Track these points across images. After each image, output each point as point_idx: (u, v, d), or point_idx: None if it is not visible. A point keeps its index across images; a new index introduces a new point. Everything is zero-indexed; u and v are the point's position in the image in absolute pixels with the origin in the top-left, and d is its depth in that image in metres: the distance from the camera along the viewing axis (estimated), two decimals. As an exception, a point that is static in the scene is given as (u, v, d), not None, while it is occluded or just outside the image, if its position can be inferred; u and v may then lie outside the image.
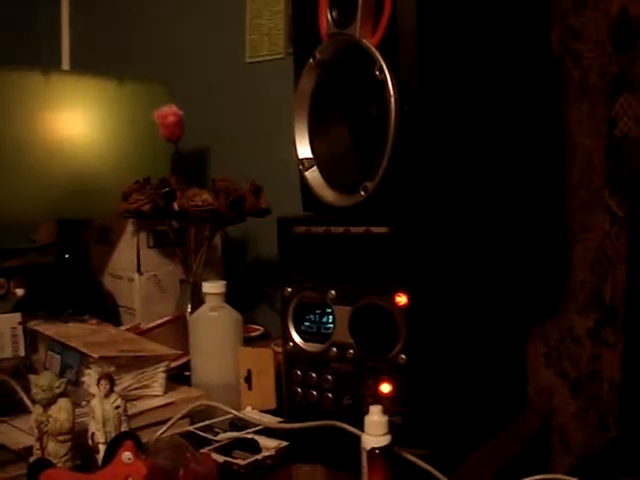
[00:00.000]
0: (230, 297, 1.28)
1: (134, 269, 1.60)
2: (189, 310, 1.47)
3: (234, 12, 1.80)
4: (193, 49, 1.93)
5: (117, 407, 0.93)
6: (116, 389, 0.99)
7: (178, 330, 1.39)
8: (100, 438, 0.93)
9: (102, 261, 1.69)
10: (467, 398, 1.07)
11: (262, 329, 1.58)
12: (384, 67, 0.95)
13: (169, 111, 1.58)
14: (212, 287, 1.25)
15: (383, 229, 0.97)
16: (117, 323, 1.60)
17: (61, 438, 0.93)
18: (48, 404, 0.93)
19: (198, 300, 1.31)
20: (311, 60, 1.05)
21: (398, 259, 0.96)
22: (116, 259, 1.66)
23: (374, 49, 0.96)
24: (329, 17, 1.02)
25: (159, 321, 1.45)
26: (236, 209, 1.47)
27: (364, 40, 0.97)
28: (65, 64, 2.31)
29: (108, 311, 1.64)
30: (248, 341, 1.40)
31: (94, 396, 0.95)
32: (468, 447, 1.06)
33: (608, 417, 1.21)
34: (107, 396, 0.94)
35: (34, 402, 0.95)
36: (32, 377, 0.96)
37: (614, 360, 1.19)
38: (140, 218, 1.52)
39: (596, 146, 1.22)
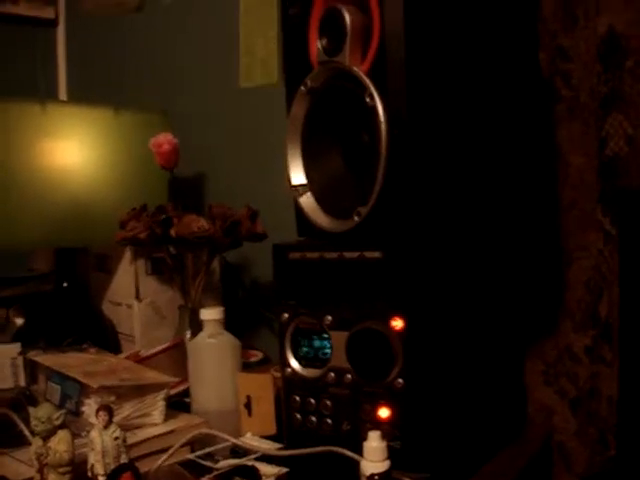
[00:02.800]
0: (229, 322, 1.28)
1: (133, 296, 1.60)
2: (188, 336, 1.48)
3: (227, 38, 1.81)
4: (188, 76, 1.95)
5: (116, 438, 0.94)
6: (116, 419, 0.99)
7: (178, 356, 1.39)
8: (99, 470, 0.93)
9: (101, 288, 1.70)
10: (466, 420, 1.07)
11: (261, 354, 1.58)
12: (374, 94, 0.96)
13: (164, 139, 1.59)
14: (210, 314, 1.26)
15: (377, 254, 0.97)
16: (117, 350, 1.61)
17: (61, 470, 0.93)
18: (48, 436, 0.93)
19: (197, 326, 1.31)
20: (302, 87, 1.06)
21: (393, 283, 0.96)
22: (115, 286, 1.67)
23: (364, 76, 0.97)
24: (319, 45, 1.03)
25: (158, 348, 1.45)
26: (232, 234, 1.48)
27: (354, 67, 0.98)
28: (62, 94, 2.32)
29: (108, 338, 1.64)
30: (247, 366, 1.41)
31: (94, 426, 0.96)
32: (468, 470, 1.06)
33: (608, 435, 1.21)
34: (106, 427, 0.94)
35: (34, 434, 0.95)
36: (31, 409, 0.97)
37: (612, 377, 1.19)
38: (137, 246, 1.53)
39: (588, 165, 1.23)
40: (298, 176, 1.10)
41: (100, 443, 0.93)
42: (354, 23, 0.99)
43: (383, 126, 0.95)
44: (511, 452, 1.17)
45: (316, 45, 1.04)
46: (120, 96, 2.04)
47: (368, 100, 0.97)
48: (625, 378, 1.10)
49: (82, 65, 2.29)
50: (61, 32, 2.34)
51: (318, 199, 1.08)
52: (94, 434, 0.94)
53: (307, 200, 1.09)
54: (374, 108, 0.96)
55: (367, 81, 0.97)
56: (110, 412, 0.95)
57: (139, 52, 2.09)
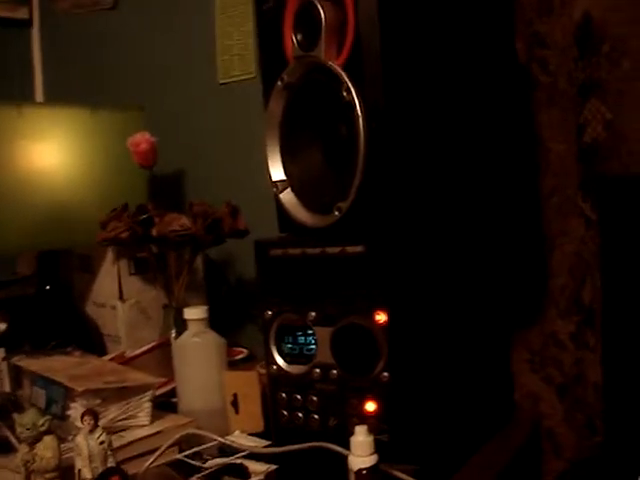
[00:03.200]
0: (213, 319, 1.28)
1: (116, 297, 1.60)
2: (174, 335, 1.47)
3: (204, 34, 1.81)
4: (165, 73, 1.94)
5: (102, 442, 0.93)
6: (102, 422, 0.99)
7: (163, 356, 1.39)
8: (87, 474, 0.93)
9: (85, 290, 1.69)
10: (453, 410, 1.07)
11: (247, 351, 1.58)
12: (351, 88, 0.95)
13: (142, 138, 1.58)
14: (194, 313, 1.25)
15: (358, 248, 0.97)
16: (102, 351, 1.60)
17: (48, 476, 0.93)
18: (34, 442, 0.93)
19: (182, 324, 1.31)
20: (279, 83, 1.06)
21: (375, 277, 0.96)
22: (98, 287, 1.66)
23: (340, 70, 0.97)
24: (294, 40, 1.03)
25: (143, 348, 1.45)
26: (214, 232, 1.47)
27: (330, 62, 0.98)
28: (39, 96, 2.30)
29: (93, 340, 1.63)
30: (233, 364, 1.40)
31: (81, 430, 0.95)
32: (457, 460, 1.06)
33: (595, 420, 1.22)
34: (92, 431, 0.94)
35: (20, 441, 0.94)
36: (16, 416, 0.97)
37: (596, 363, 1.19)
38: (119, 246, 1.52)
39: (568, 151, 1.23)
40: (277, 172, 1.09)
41: (86, 448, 0.93)
42: (329, 17, 0.98)
43: (360, 120, 0.95)
44: (500, 440, 1.18)
45: (291, 40, 1.04)
46: (98, 95, 2.03)
47: (345, 94, 0.96)
48: (608, 363, 1.11)
49: (59, 65, 2.27)
50: (36, 32, 2.32)
51: (298, 195, 1.08)
52: (80, 439, 0.93)
53: (287, 196, 1.08)
54: (351, 102, 0.96)
55: (343, 75, 0.96)
56: (95, 416, 0.94)
57: (116, 50, 2.08)
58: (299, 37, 1.03)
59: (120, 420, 1.13)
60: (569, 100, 1.23)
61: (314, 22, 0.99)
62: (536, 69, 1.27)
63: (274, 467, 1.02)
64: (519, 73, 1.28)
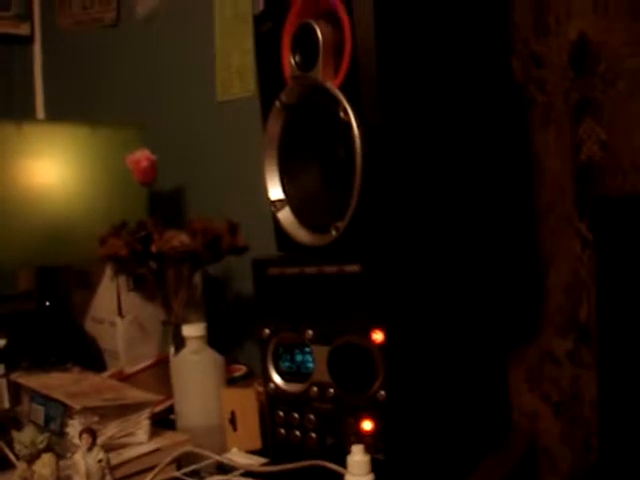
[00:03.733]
0: (212, 335, 1.28)
1: (115, 313, 1.60)
2: (172, 351, 1.47)
3: (204, 52, 1.82)
4: (165, 90, 1.94)
5: (100, 460, 0.94)
6: (100, 439, 0.99)
7: (162, 373, 1.39)
8: (84, 492, 0.93)
9: (83, 306, 1.69)
10: (450, 429, 1.07)
11: (245, 368, 1.58)
12: (348, 108, 0.96)
13: (142, 156, 1.59)
14: (192, 330, 1.25)
15: (355, 267, 0.98)
16: (101, 367, 1.60)
17: (46, 493, 0.93)
18: (32, 459, 0.94)
19: (181, 341, 1.31)
20: (277, 103, 1.07)
21: (372, 296, 0.97)
22: (97, 303, 1.66)
23: (337, 91, 0.98)
24: (292, 61, 1.04)
25: (142, 365, 1.45)
26: (213, 249, 1.48)
27: (327, 82, 0.99)
28: (40, 112, 2.31)
29: (92, 356, 1.64)
30: (231, 381, 1.41)
31: (79, 447, 0.96)
32: (454, 478, 1.07)
33: (592, 438, 1.22)
34: (90, 449, 0.94)
35: (18, 458, 0.95)
36: (15, 433, 0.97)
37: (592, 381, 1.20)
38: (118, 263, 1.53)
39: (564, 170, 1.24)
40: (276, 191, 1.10)
41: (84, 466, 0.93)
42: (326, 38, 0.99)
43: (357, 140, 0.96)
44: (497, 458, 1.18)
45: (289, 61, 1.05)
46: (99, 112, 2.05)
47: (342, 115, 0.97)
48: (604, 381, 1.11)
49: (60, 82, 2.28)
50: (37, 49, 2.33)
51: (296, 214, 1.09)
52: (78, 457, 0.94)
53: (285, 215, 1.09)
54: (348, 123, 0.97)
55: (340, 96, 0.97)
56: (93, 434, 0.95)
57: (117, 68, 2.09)
58: (297, 58, 1.04)
59: (118, 437, 1.13)
60: (565, 119, 1.24)
61: (312, 43, 1.00)
62: (532, 88, 1.28)
63: (271, 485, 1.02)
64: (515, 92, 1.29)
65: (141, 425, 1.15)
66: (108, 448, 1.00)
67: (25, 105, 2.30)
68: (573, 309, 1.24)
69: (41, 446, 0.94)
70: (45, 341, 1.59)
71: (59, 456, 0.98)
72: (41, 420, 1.19)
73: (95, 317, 1.67)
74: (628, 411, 1.11)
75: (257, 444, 1.17)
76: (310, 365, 1.05)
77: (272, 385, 1.10)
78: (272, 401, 1.10)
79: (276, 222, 1.11)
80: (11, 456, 1.05)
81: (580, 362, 1.23)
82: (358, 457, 0.89)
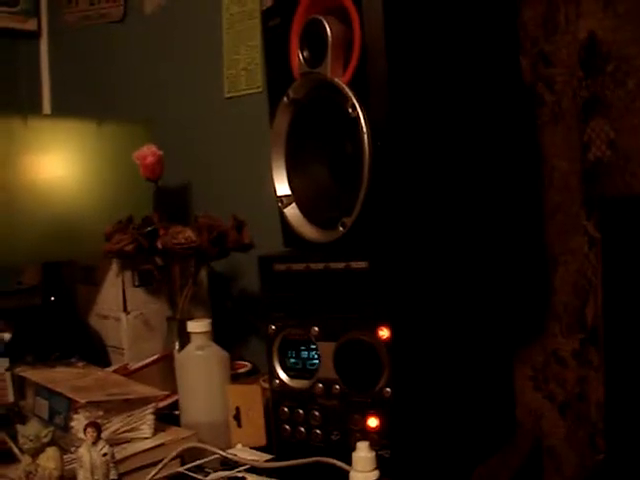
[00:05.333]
0: (217, 332, 1.28)
1: (120, 308, 1.60)
2: (177, 347, 1.47)
3: (211, 48, 1.82)
4: (172, 86, 1.95)
5: (104, 454, 0.93)
6: (104, 434, 0.99)
7: (166, 369, 1.39)
8: (89, 486, 0.93)
9: (89, 301, 1.69)
10: (455, 427, 1.07)
11: (250, 365, 1.58)
12: (356, 104, 0.96)
13: (148, 151, 1.59)
14: (197, 326, 1.25)
15: (362, 264, 0.98)
16: (106, 363, 1.60)
17: (50, 487, 0.93)
18: (36, 453, 0.94)
19: (186, 337, 1.31)
20: (285, 99, 1.07)
21: (379, 293, 0.97)
22: (102, 299, 1.66)
23: (346, 87, 0.98)
24: (300, 57, 1.04)
25: (147, 361, 1.45)
26: (219, 245, 1.48)
27: (335, 79, 0.99)
28: (46, 107, 2.32)
29: (97, 351, 1.64)
30: (236, 377, 1.40)
31: (84, 441, 0.96)
32: (459, 477, 1.06)
33: (597, 438, 1.22)
34: (94, 444, 0.94)
35: (22, 451, 0.95)
36: (19, 427, 0.97)
37: (599, 381, 1.19)
38: (124, 258, 1.53)
39: (572, 169, 1.24)
40: (283, 187, 1.10)
41: (89, 460, 0.93)
42: (335, 34, 0.99)
43: (365, 136, 0.96)
44: (501, 457, 1.17)
45: (297, 56, 1.04)
46: (105, 107, 2.05)
47: (350, 111, 0.97)
48: (611, 381, 1.11)
49: (66, 77, 2.28)
50: (44, 44, 2.33)
51: (303, 210, 1.09)
52: (82, 451, 0.94)
53: (292, 211, 1.09)
54: (356, 119, 0.96)
55: (349, 92, 0.97)
56: (98, 428, 0.95)
57: (123, 63, 2.09)
58: (305, 54, 1.04)
59: (123, 432, 1.13)
60: (574, 118, 1.24)
61: (320, 39, 1.00)
62: (541, 87, 1.27)
63: (275, 481, 1.02)
64: (524, 91, 1.28)
65: (145, 420, 1.15)
66: (112, 442, 1.00)
67: (31, 100, 2.30)
68: (580, 308, 1.23)
69: (45, 440, 0.94)
70: (50, 336, 1.59)
71: (63, 450, 0.98)
72: (45, 414, 1.19)
73: (100, 313, 1.67)
74: (635, 412, 1.11)
75: (262, 440, 1.17)
76: (316, 362, 1.05)
77: (277, 381, 1.10)
78: (277, 397, 1.10)
79: (283, 218, 1.10)
80: (16, 450, 1.05)
81: (586, 362, 1.22)
82: (363, 453, 0.88)
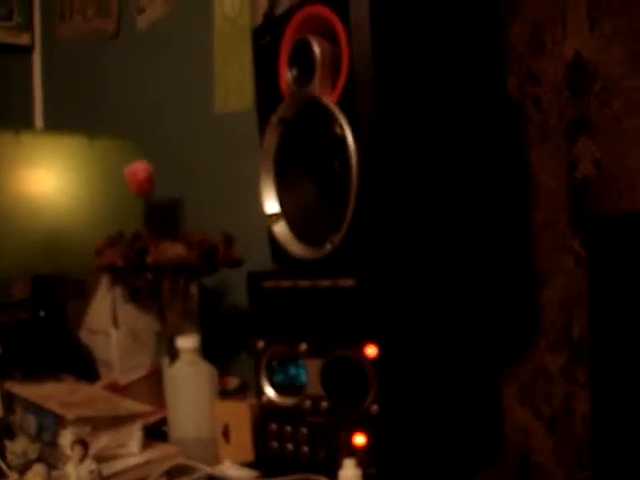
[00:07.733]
0: (206, 347, 1.28)
1: (110, 324, 1.60)
2: (166, 362, 1.47)
3: (202, 64, 1.82)
4: (163, 103, 1.95)
5: (91, 472, 0.94)
6: (92, 450, 0.99)
7: (155, 384, 1.39)
8: (76, 503, 0.93)
9: (78, 316, 1.69)
10: (443, 444, 1.07)
11: (239, 381, 1.58)
12: (343, 124, 0.97)
13: (139, 167, 1.59)
14: (186, 342, 1.26)
15: (349, 282, 0.98)
16: (95, 378, 1.60)
17: (37, 504, 0.93)
18: (24, 470, 0.94)
19: (175, 352, 1.31)
20: (274, 118, 1.08)
21: (366, 311, 0.97)
22: (92, 314, 1.66)
23: (333, 106, 0.99)
24: (289, 76, 1.05)
25: (136, 376, 1.45)
26: (209, 261, 1.48)
27: (323, 98, 1.00)
28: (39, 122, 2.32)
29: (86, 366, 1.63)
30: (225, 393, 1.40)
31: (70, 460, 0.96)
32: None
33: (584, 454, 1.22)
34: (81, 461, 0.94)
35: (10, 467, 0.95)
36: (7, 443, 0.97)
37: (585, 398, 1.20)
38: (114, 273, 1.53)
39: (559, 187, 1.24)
40: (271, 205, 1.11)
41: (75, 477, 0.93)
42: (323, 54, 1.00)
43: (353, 155, 0.97)
44: (490, 474, 1.18)
45: (286, 75, 1.05)
46: (97, 122, 2.05)
47: (338, 130, 0.98)
48: (597, 398, 1.11)
49: (58, 92, 2.29)
50: (37, 59, 2.34)
51: (291, 227, 1.09)
52: (69, 468, 0.94)
53: (280, 228, 1.10)
54: (344, 138, 0.97)
55: (336, 111, 0.98)
56: (85, 446, 0.95)
57: (115, 79, 2.10)
58: (294, 73, 1.05)
59: (110, 448, 1.13)
60: (560, 137, 1.24)
61: (309, 58, 1.01)
62: (529, 106, 1.28)
63: (263, 498, 1.02)
64: (511, 109, 1.29)
65: (133, 436, 1.15)
66: (100, 459, 1.00)
67: (24, 115, 2.31)
68: (566, 325, 1.24)
69: (33, 456, 0.94)
70: (39, 351, 1.59)
71: (51, 466, 0.98)
72: (34, 430, 1.19)
73: (90, 327, 1.67)
74: (621, 428, 1.11)
75: (250, 457, 1.17)
76: (303, 378, 1.05)
77: (265, 398, 1.10)
78: (265, 414, 1.11)
79: (271, 235, 1.11)
80: (3, 466, 1.04)
81: (573, 378, 1.23)
82: (350, 471, 0.89)
